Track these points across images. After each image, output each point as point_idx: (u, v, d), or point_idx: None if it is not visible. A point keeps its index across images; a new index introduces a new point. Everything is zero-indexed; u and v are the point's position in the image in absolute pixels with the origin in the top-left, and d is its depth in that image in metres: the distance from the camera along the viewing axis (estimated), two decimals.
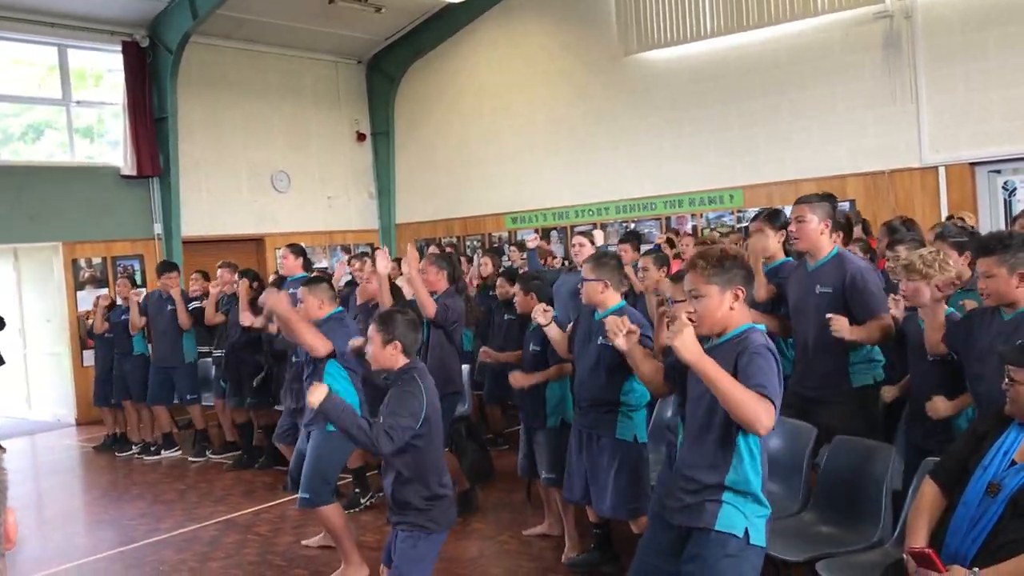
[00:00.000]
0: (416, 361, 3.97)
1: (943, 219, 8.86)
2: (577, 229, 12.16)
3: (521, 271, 8.62)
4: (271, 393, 8.14)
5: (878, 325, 4.43)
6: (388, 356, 3.89)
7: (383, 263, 6.06)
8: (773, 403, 2.84)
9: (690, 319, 3.09)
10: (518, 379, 5.38)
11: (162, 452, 9.03)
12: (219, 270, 8.90)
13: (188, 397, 8.89)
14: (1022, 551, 2.71)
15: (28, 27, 10.91)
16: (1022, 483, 2.81)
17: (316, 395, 3.61)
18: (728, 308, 3.04)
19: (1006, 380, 2.95)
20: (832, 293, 4.52)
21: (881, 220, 8.79)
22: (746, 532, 2.98)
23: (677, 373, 3.28)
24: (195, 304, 8.99)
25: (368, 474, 6.82)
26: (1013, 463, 2.88)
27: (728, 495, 3.00)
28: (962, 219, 8.79)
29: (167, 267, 9.04)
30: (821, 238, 4.64)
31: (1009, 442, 2.93)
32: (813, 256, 4.67)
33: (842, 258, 4.62)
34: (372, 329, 3.95)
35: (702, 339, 3.14)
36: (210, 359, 9.16)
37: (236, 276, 8.39)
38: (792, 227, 4.77)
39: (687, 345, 2.85)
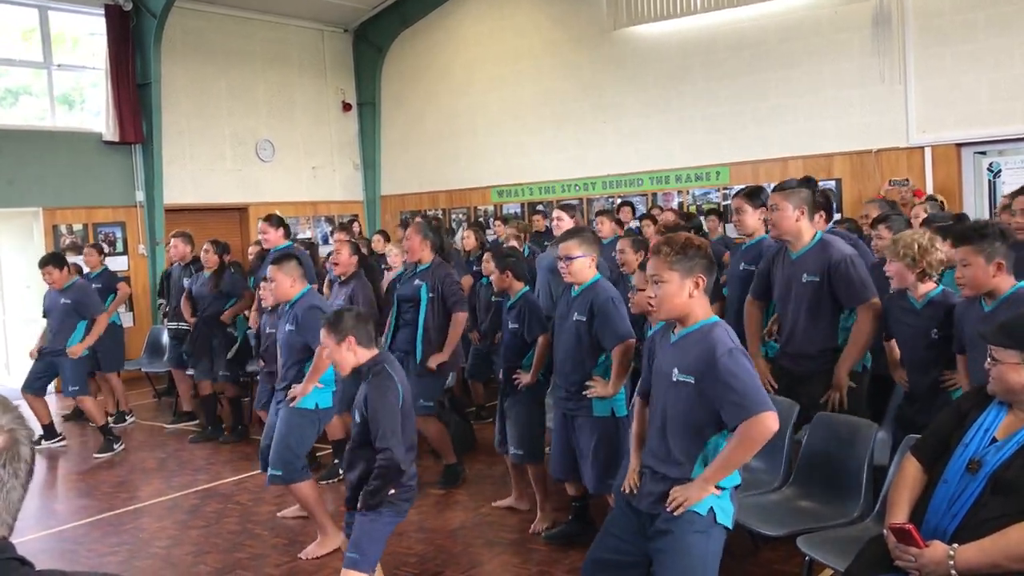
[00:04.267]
0: (384, 353, 3.97)
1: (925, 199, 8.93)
2: (559, 203, 12.17)
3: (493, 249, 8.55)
4: (243, 365, 8.21)
5: (861, 327, 4.44)
6: (346, 354, 3.88)
7: None
8: (762, 405, 2.91)
9: (649, 304, 3.16)
10: (525, 381, 5.34)
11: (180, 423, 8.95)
12: (172, 239, 8.82)
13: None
14: (1001, 527, 2.72)
15: None
16: (1002, 460, 2.82)
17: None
18: (688, 296, 3.06)
19: (988, 359, 2.96)
20: (818, 281, 4.53)
21: (866, 199, 8.83)
22: (711, 511, 3.02)
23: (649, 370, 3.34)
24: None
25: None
26: (994, 440, 2.89)
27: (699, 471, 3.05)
28: (935, 199, 8.87)
29: (48, 260, 8.18)
30: (797, 225, 4.60)
31: (990, 420, 2.95)
32: (794, 244, 4.65)
33: (825, 244, 4.59)
34: (323, 334, 3.93)
35: (668, 326, 3.18)
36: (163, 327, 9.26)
37: (197, 247, 8.36)
38: (768, 215, 4.75)
39: (693, 497, 2.99)
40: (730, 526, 3.07)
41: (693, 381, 3.01)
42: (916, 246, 4.11)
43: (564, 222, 7.13)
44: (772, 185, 5.48)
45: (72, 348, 7.93)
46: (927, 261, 4.12)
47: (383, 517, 3.84)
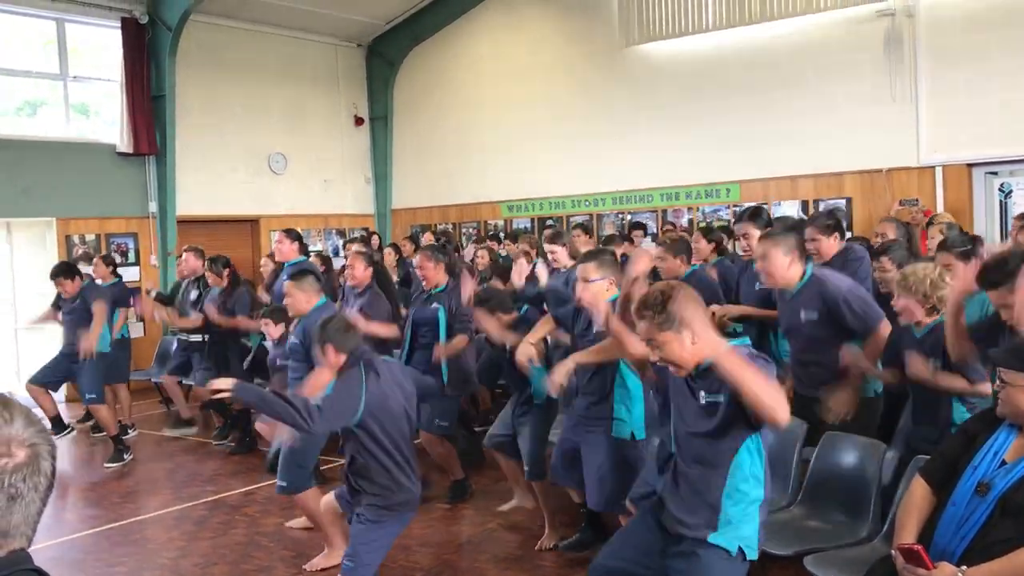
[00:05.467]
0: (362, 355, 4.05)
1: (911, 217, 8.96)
2: (566, 224, 12.19)
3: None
4: (259, 375, 8.20)
5: (873, 344, 4.48)
6: (330, 361, 4.05)
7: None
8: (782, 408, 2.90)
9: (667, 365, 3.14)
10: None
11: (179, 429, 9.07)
12: (184, 254, 8.88)
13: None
14: (1010, 550, 2.72)
15: (27, 0, 10.82)
16: (1012, 483, 2.82)
17: (222, 383, 3.76)
18: (691, 344, 3.05)
19: (998, 382, 2.96)
20: (818, 319, 4.61)
21: (877, 219, 8.82)
22: (740, 551, 3.06)
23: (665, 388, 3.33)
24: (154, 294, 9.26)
25: None
26: (1003, 463, 2.89)
27: (725, 513, 3.05)
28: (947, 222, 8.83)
29: (58, 271, 8.19)
30: (789, 271, 4.71)
31: (999, 442, 2.94)
32: (788, 286, 4.74)
33: (817, 281, 4.66)
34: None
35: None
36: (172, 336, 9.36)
37: (204, 262, 8.41)
38: (758, 265, 4.82)
39: (726, 357, 2.89)
40: (755, 558, 3.08)
41: (723, 400, 3.01)
42: (928, 281, 4.06)
43: (558, 254, 6.86)
44: (781, 203, 5.51)
45: (87, 342, 7.83)
46: (937, 296, 4.06)
47: (382, 526, 3.87)
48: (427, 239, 11.35)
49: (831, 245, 5.45)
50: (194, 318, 8.45)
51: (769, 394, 2.84)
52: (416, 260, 6.37)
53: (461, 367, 6.24)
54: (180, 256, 9.19)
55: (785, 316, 4.83)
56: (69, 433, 8.35)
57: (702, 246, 7.01)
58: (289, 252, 7.69)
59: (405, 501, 3.94)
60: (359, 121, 14.65)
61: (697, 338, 3.04)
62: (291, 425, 3.79)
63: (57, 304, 8.44)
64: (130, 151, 11.56)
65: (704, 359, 3.06)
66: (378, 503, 3.89)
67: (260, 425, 6.43)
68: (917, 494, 3.09)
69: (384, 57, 14.60)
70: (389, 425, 3.98)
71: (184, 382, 9.03)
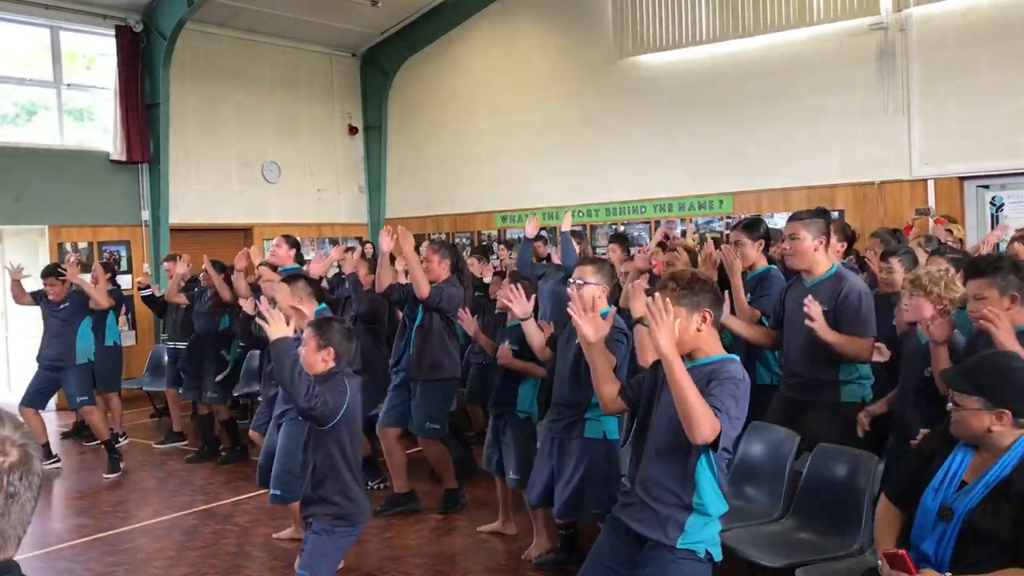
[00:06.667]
0: (342, 367, 4.00)
1: (930, 229, 8.96)
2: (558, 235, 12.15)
3: (510, 270, 8.55)
4: (231, 389, 8.34)
5: (860, 342, 4.44)
6: (319, 361, 3.93)
7: (386, 243, 6.13)
8: (723, 423, 2.87)
9: None
10: (504, 352, 5.41)
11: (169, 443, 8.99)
12: (164, 264, 8.93)
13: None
14: (989, 570, 2.71)
15: (21, 8, 10.84)
16: (972, 506, 2.81)
17: (276, 329, 3.68)
18: (695, 330, 3.07)
19: (950, 403, 2.95)
20: (827, 312, 4.48)
21: (869, 231, 8.85)
22: (707, 553, 3.07)
23: (642, 389, 3.29)
24: (146, 292, 9.34)
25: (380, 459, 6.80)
26: (963, 484, 2.88)
27: (692, 517, 3.04)
28: (950, 230, 8.86)
29: (50, 271, 8.33)
30: (816, 255, 4.60)
31: (957, 463, 2.93)
32: (809, 273, 4.64)
33: (840, 277, 4.58)
34: (307, 332, 3.99)
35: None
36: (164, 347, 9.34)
37: (196, 268, 8.51)
38: (786, 245, 4.74)
39: (666, 337, 2.88)
40: (720, 558, 3.11)
41: None
42: (943, 283, 4.05)
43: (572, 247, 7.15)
44: (773, 215, 5.51)
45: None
46: (949, 298, 4.02)
47: (336, 536, 3.88)
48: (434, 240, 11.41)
49: (756, 251, 5.44)
50: (180, 296, 8.65)
51: (695, 408, 2.83)
52: (423, 251, 6.37)
53: (431, 351, 6.21)
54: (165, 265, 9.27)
55: (792, 305, 4.68)
56: (55, 463, 8.10)
57: None
58: (285, 257, 7.67)
59: (359, 512, 3.96)
60: (353, 130, 14.66)
61: (703, 330, 3.07)
62: (292, 392, 3.72)
63: (37, 299, 8.33)
64: (123, 159, 11.56)
65: (697, 353, 3.09)
66: (334, 512, 3.90)
67: (253, 433, 6.41)
68: (884, 511, 3.12)
69: (379, 67, 14.63)
70: (354, 439, 4.00)
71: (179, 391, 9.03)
